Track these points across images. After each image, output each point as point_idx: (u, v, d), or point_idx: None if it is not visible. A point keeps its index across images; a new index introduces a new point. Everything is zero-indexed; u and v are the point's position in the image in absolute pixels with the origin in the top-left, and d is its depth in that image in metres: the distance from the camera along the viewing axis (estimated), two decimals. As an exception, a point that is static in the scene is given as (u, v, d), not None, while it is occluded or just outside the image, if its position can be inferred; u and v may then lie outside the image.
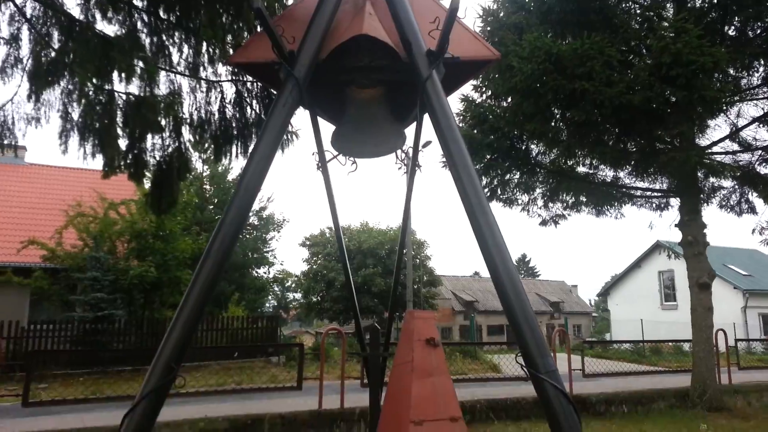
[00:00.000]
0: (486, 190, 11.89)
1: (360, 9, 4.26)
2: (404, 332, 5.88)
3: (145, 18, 6.55)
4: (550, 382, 2.35)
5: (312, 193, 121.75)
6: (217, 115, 7.25)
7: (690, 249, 10.66)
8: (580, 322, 48.44)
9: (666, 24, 8.51)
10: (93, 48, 6.19)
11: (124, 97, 7.19)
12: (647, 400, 10.50)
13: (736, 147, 11.45)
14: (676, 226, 10.95)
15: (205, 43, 6.93)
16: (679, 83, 8.03)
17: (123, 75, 6.80)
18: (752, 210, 12.27)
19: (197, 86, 7.19)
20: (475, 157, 11.54)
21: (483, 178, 11.71)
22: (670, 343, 26.01)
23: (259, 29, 6.26)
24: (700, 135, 10.67)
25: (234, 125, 7.22)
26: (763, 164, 11.35)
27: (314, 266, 31.94)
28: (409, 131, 5.11)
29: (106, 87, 6.95)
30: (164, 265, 17.46)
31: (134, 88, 7.10)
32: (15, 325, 15.00)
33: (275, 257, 28.54)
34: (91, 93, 7.02)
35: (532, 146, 11.87)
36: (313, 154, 5.08)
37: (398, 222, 43.79)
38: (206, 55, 7.01)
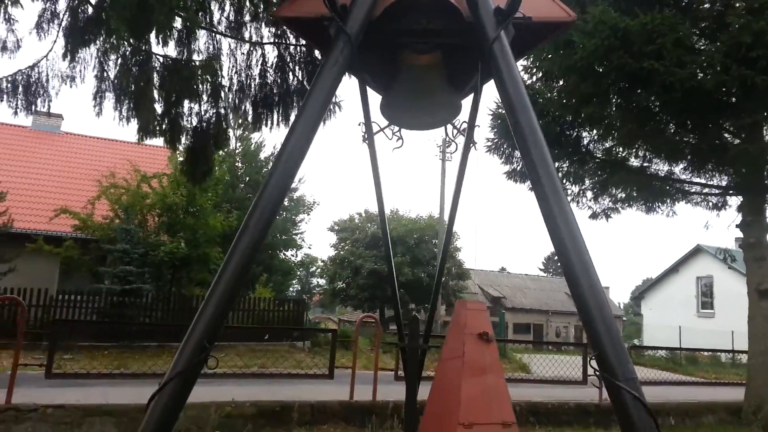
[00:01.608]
0: (533, 178, 11.24)
1: (416, -37, 3.76)
2: (454, 325, 5.31)
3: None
4: (629, 392, 2.05)
5: (344, 176, 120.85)
6: (257, 80, 6.80)
7: (751, 252, 9.90)
8: (610, 325, 47.18)
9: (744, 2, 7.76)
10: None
11: (161, 59, 6.80)
12: (695, 413, 9.81)
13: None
14: (737, 226, 10.20)
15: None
16: (759, 66, 7.31)
17: (160, 34, 6.42)
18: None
19: (238, 48, 6.75)
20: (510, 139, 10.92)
21: (530, 165, 11.08)
22: (705, 353, 25.11)
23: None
24: (768, 128, 9.84)
25: (275, 91, 6.76)
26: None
27: (342, 252, 31.57)
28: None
29: (143, 47, 6.57)
30: (194, 241, 17.25)
31: (171, 49, 6.73)
32: (45, 294, 14.93)
33: (303, 240, 28.20)
34: (128, 53, 6.65)
35: (584, 133, 11.20)
36: (359, 124, 4.62)
37: (427, 210, 43.01)
38: (248, 14, 6.56)
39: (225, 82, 6.78)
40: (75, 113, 68.50)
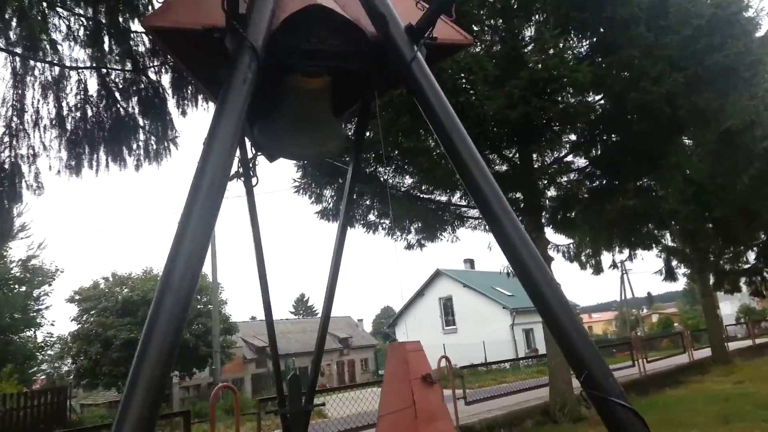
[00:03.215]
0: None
1: (304, -23, 3.44)
2: (393, 371, 4.78)
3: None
4: (626, 406, 2.07)
5: (87, 236, 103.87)
6: (74, 114, 5.38)
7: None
8: (366, 356, 49.52)
9: (542, 40, 8.82)
10: None
11: None
12: (518, 420, 10.55)
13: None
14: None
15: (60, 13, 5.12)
16: (553, 98, 8.39)
17: None
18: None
19: (45, 73, 5.26)
20: (329, 181, 10.80)
21: (340, 201, 10.95)
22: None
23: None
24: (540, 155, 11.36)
25: (100, 126, 5.42)
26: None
27: (86, 325, 27.25)
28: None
29: None
30: None
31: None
32: None
33: (44, 317, 23.53)
34: None
35: (381, 169, 11.52)
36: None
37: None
38: (60, 31, 5.18)
39: (28, 117, 5.21)
40: None
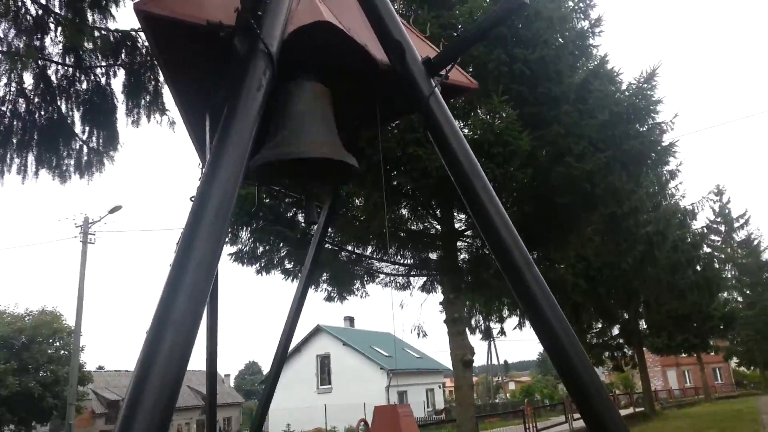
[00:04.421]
0: (262, 261, 10.39)
1: (301, -5, 3.23)
2: None
3: None
4: None
5: None
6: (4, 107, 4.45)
7: (454, 326, 11.04)
8: (230, 415, 46.52)
9: (490, 104, 8.93)
10: None
11: None
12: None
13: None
14: (440, 303, 11.34)
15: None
16: (497, 161, 8.50)
17: None
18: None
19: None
20: (247, 221, 10.10)
21: (258, 244, 10.22)
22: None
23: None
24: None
25: (34, 124, 4.53)
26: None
27: None
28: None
29: None
30: None
31: None
32: None
33: None
34: None
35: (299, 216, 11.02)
36: (199, 166, 3.70)
37: (40, 303, 36.15)
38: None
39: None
40: None
